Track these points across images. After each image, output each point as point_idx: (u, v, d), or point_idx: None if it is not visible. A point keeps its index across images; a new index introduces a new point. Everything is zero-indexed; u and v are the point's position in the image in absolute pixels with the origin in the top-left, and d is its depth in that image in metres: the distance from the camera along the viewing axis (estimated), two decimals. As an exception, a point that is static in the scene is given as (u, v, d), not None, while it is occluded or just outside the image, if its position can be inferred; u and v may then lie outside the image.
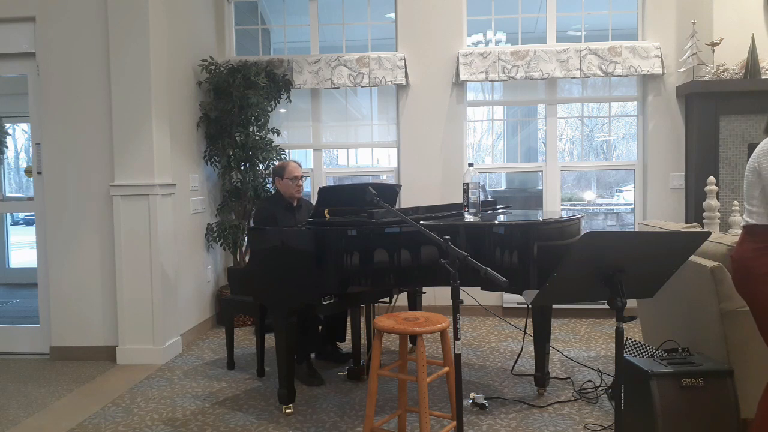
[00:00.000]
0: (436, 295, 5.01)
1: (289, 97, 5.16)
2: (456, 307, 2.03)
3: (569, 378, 3.54)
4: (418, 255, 2.92)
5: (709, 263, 2.61)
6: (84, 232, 4.08)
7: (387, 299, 3.71)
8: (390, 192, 3.68)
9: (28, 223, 6.32)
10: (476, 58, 4.97)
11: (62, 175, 4.07)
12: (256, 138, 4.87)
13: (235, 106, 4.70)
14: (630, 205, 5.50)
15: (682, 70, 4.86)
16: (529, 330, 3.36)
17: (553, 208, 5.20)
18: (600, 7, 5.17)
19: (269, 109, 4.99)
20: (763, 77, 4.57)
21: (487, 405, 3.12)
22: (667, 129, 4.99)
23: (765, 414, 2.09)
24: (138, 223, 3.96)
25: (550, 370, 3.47)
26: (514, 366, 3.75)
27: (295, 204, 3.82)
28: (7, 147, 5.28)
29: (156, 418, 3.11)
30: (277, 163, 4.59)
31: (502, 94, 5.37)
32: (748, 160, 4.58)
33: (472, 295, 4.03)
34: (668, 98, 4.97)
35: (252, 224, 3.96)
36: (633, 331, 4.49)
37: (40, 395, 3.49)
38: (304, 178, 3.84)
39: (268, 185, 4.97)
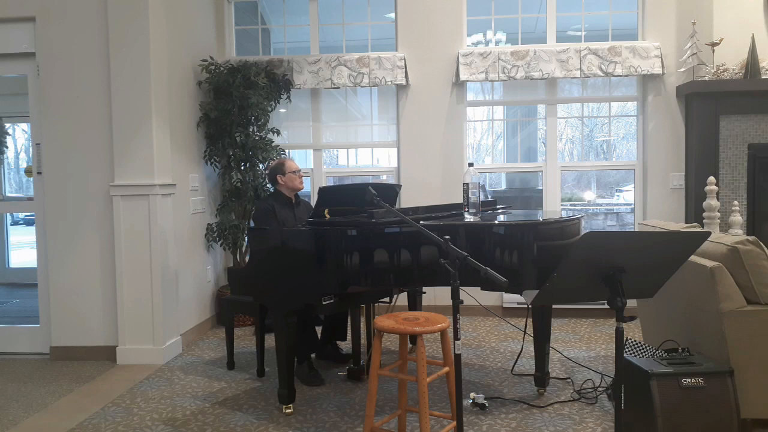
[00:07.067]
0: (436, 295, 5.01)
1: (289, 97, 5.16)
2: (456, 307, 2.03)
3: (569, 378, 3.54)
4: (418, 255, 2.92)
5: (709, 263, 2.62)
6: (84, 232, 4.08)
7: (387, 299, 3.71)
8: (390, 192, 3.68)
9: (28, 223, 6.31)
10: (476, 58, 4.97)
11: (62, 175, 4.07)
12: (256, 138, 4.87)
13: (235, 106, 4.69)
14: (630, 205, 5.50)
15: (682, 70, 4.86)
16: (529, 330, 3.36)
17: (553, 208, 5.20)
18: (600, 7, 5.17)
19: (269, 109, 4.98)
20: (763, 77, 4.57)
21: (487, 405, 3.12)
22: (667, 129, 4.99)
23: None
24: (138, 223, 3.96)
25: (550, 370, 3.47)
26: (514, 366, 3.75)
27: (293, 200, 3.85)
28: (7, 147, 5.28)
29: (156, 418, 3.11)
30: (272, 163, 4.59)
31: (502, 94, 5.37)
32: (747, 160, 4.63)
33: (472, 295, 4.04)
34: (668, 98, 4.97)
35: (252, 221, 3.99)
36: (633, 331, 4.48)
37: (40, 395, 3.49)
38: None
39: (268, 185, 4.97)
